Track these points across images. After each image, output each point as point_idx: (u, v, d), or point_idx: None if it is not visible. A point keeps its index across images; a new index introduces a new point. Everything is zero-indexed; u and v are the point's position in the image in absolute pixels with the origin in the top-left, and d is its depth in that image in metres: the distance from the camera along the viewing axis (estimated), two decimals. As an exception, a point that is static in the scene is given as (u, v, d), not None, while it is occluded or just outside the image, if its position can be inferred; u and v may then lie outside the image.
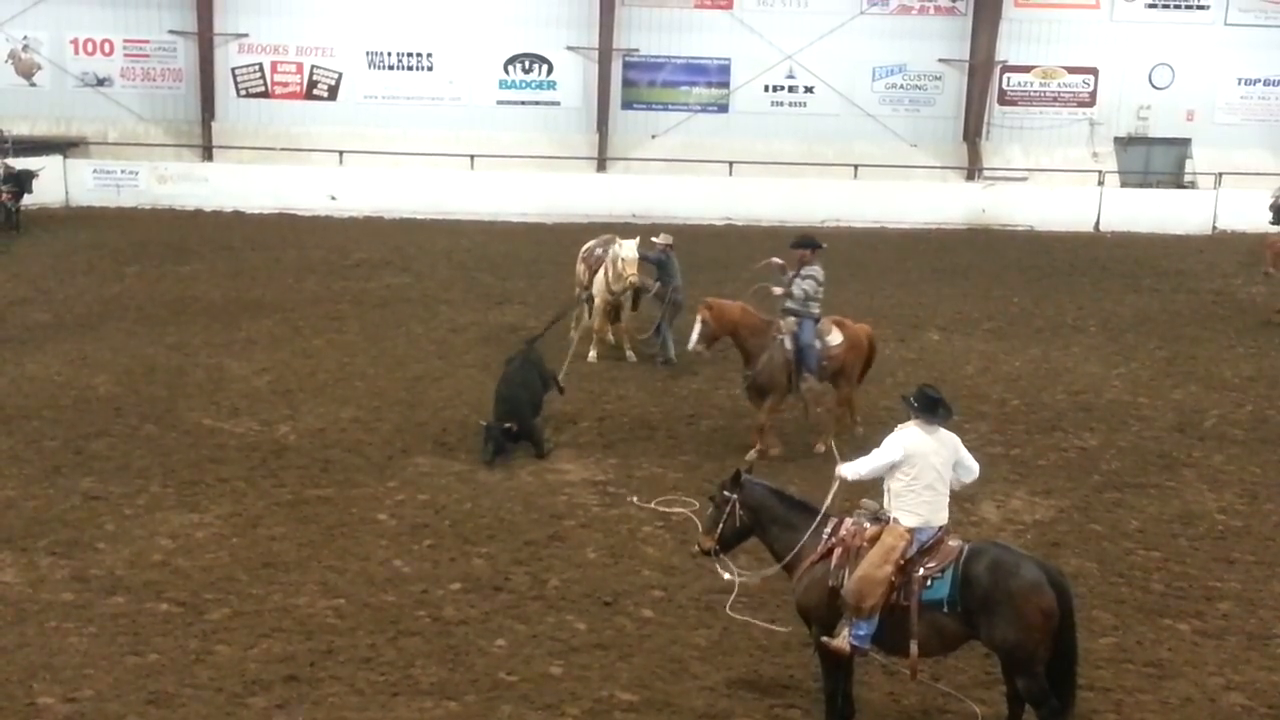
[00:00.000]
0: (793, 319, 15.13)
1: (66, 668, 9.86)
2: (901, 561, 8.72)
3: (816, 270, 15.20)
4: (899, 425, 9.16)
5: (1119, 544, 12.91)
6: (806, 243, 15.54)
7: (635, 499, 13.73)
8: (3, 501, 13.30)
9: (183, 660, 10.03)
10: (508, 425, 14.87)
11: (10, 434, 15.47)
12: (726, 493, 9.51)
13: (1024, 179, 38.36)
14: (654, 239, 19.97)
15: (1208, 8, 38.97)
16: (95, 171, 35.19)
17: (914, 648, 8.71)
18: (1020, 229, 35.34)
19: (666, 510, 13.36)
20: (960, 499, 13.69)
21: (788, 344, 15.01)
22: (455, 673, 9.95)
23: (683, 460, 15.12)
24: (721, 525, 9.54)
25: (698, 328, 15.14)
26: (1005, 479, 14.74)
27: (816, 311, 15.29)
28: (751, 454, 14.71)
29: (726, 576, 9.82)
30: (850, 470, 9.17)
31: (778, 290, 15.31)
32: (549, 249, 28.36)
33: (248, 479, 14.12)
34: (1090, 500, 14.15)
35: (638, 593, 11.49)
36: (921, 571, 8.68)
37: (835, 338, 15.30)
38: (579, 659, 10.22)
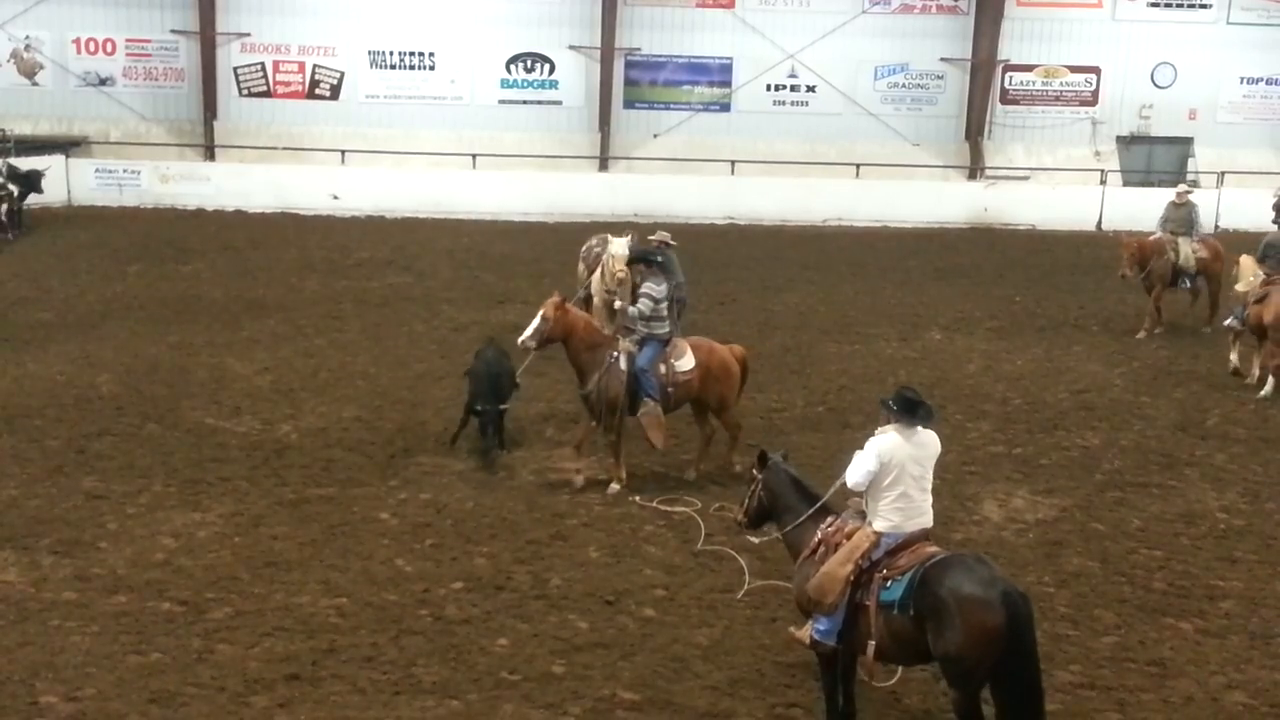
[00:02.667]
0: (635, 338, 14.04)
1: (69, 666, 9.86)
2: (864, 562, 8.70)
3: (653, 287, 14.01)
4: (878, 430, 9.03)
5: (1121, 543, 12.90)
6: (641, 256, 14.50)
7: (637, 498, 13.73)
8: (5, 500, 13.31)
9: (185, 659, 10.03)
10: (503, 406, 14.86)
11: (13, 433, 15.48)
12: (755, 472, 9.75)
13: (1026, 178, 38.35)
14: (650, 237, 19.96)
15: (1210, 7, 38.95)
16: (97, 171, 35.20)
17: (870, 648, 8.65)
18: (1022, 228, 35.32)
19: (669, 509, 13.37)
20: (963, 498, 13.75)
21: (622, 364, 13.87)
22: (457, 671, 9.95)
23: (685, 459, 15.10)
24: (748, 502, 9.85)
25: (536, 322, 13.91)
26: (1007, 478, 14.73)
27: (662, 332, 14.07)
28: (614, 486, 14.00)
29: (755, 541, 10.50)
30: (849, 478, 9.08)
31: (617, 304, 14.40)
32: (551, 248, 28.35)
33: (250, 478, 14.12)
34: (1092, 499, 14.14)
35: (640, 591, 11.49)
36: (884, 572, 8.64)
37: (686, 362, 14.07)
38: (581, 658, 10.22)
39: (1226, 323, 19.74)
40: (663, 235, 20.10)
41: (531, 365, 18.63)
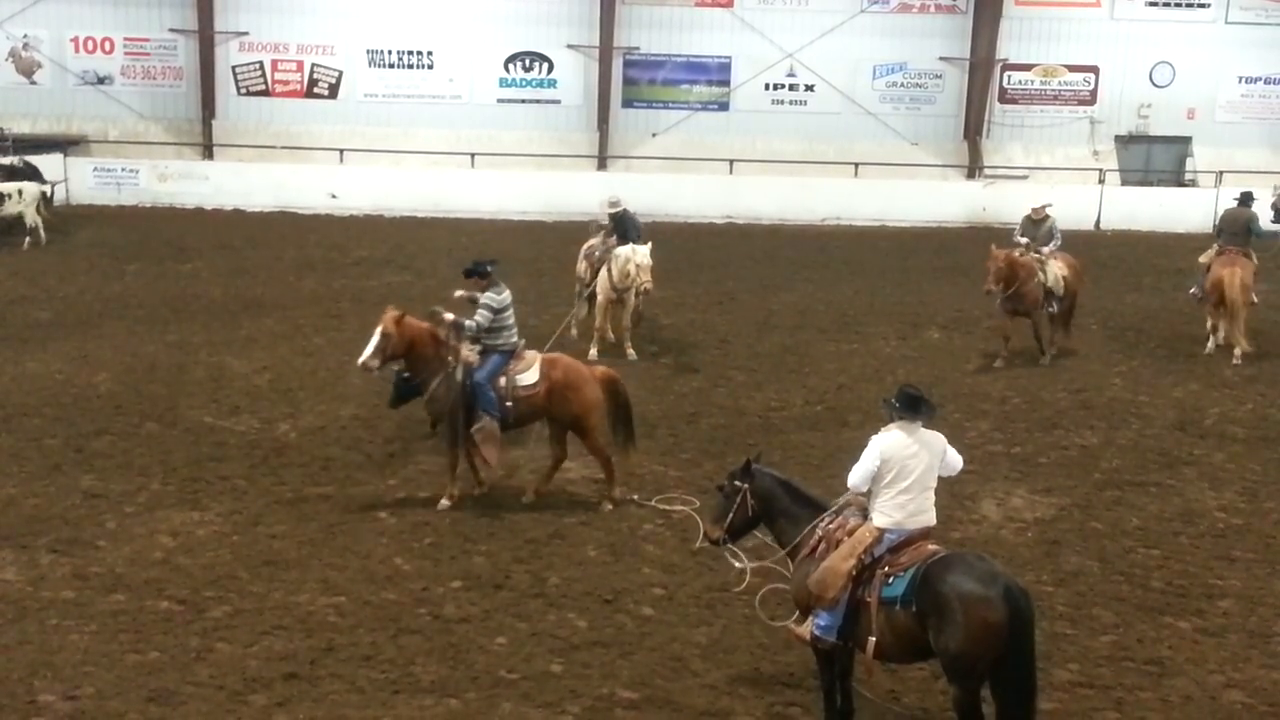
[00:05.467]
0: (477, 349, 13.30)
1: (67, 665, 9.85)
2: (866, 557, 8.70)
3: (492, 298, 13.21)
4: (882, 429, 9.01)
5: (1119, 542, 12.90)
6: (474, 270, 13.56)
7: (636, 497, 13.72)
8: (3, 499, 13.30)
9: (183, 658, 10.02)
10: (406, 374, 14.08)
11: (11, 432, 15.47)
12: (738, 482, 9.53)
13: (1024, 177, 38.39)
14: (607, 203, 20.60)
15: (1208, 6, 39.02)
16: (96, 170, 35.28)
17: (871, 644, 8.62)
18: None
19: (667, 508, 13.37)
20: (961, 497, 13.74)
21: (458, 375, 13.19)
22: (456, 670, 9.94)
23: (683, 458, 15.11)
24: (732, 515, 9.56)
25: (376, 339, 13.03)
26: (1006, 477, 14.73)
27: (505, 343, 13.35)
28: (443, 502, 13.27)
29: (738, 565, 10.03)
30: (851, 479, 9.03)
31: (449, 317, 13.37)
32: (549, 247, 28.37)
33: (248, 477, 14.12)
34: (1091, 498, 14.14)
35: (638, 590, 11.48)
36: (886, 568, 8.63)
37: (529, 377, 13.28)
38: (579, 657, 10.22)
39: (1191, 291, 21.33)
40: (614, 198, 20.63)
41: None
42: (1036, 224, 20.62)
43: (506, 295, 13.37)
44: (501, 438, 13.36)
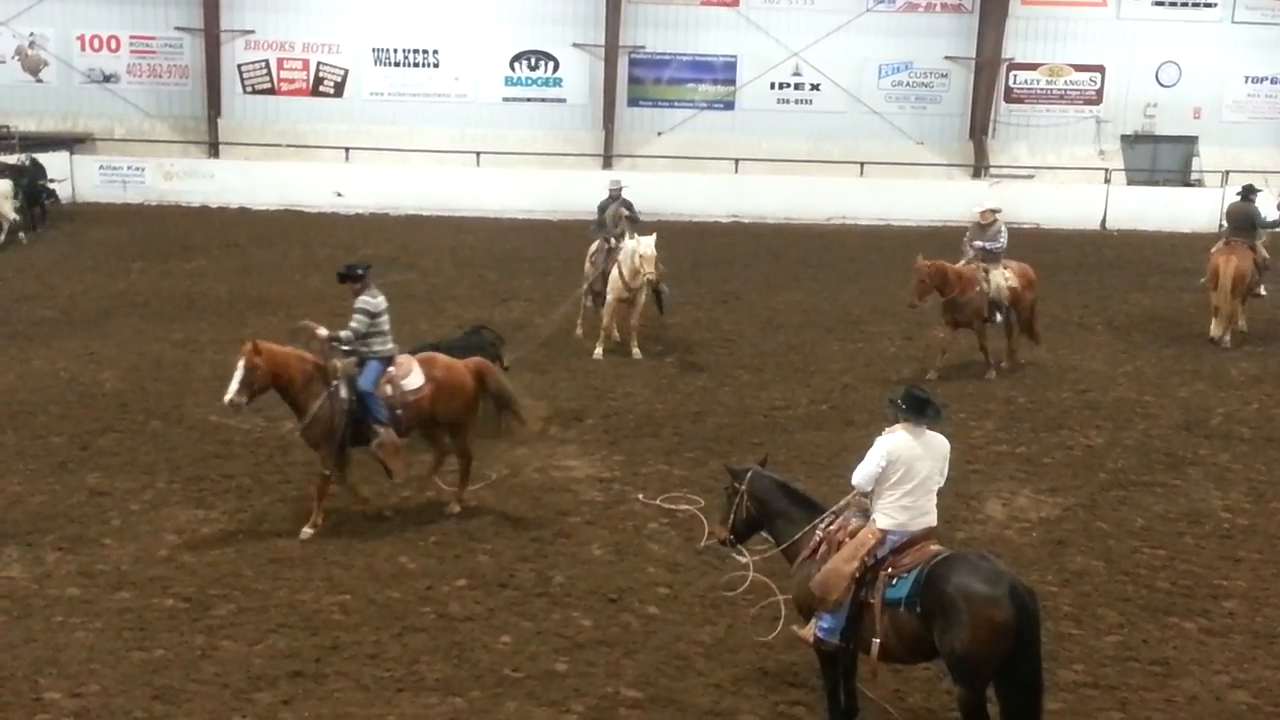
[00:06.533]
0: (352, 360, 12.69)
1: (72, 663, 9.86)
2: (869, 559, 8.68)
3: (368, 301, 12.65)
4: (886, 429, 8.99)
5: (1125, 542, 12.88)
6: (347, 274, 12.99)
7: (641, 496, 13.72)
8: (9, 497, 13.31)
9: (188, 656, 10.03)
10: None
11: (17, 429, 15.49)
12: (736, 484, 9.55)
13: (1030, 177, 38.41)
14: (609, 184, 21.10)
15: (1215, 6, 39.01)
16: (101, 168, 35.34)
17: (875, 646, 8.60)
18: (1026, 226, 35.26)
19: (672, 507, 13.36)
20: (966, 497, 13.73)
21: (343, 391, 12.52)
22: (460, 669, 9.94)
23: (688, 457, 15.11)
24: (732, 516, 9.61)
25: (239, 374, 12.18)
26: (1011, 477, 14.72)
27: (382, 349, 12.77)
28: (306, 530, 12.49)
29: (742, 560, 10.05)
30: (855, 479, 9.00)
31: (322, 332, 12.71)
32: (554, 246, 28.40)
33: (253, 475, 14.13)
34: (1096, 498, 14.12)
35: (643, 589, 11.48)
36: (889, 570, 8.61)
37: (414, 380, 12.83)
38: (584, 655, 10.21)
39: (1201, 281, 21.78)
40: (615, 181, 20.98)
41: (538, 362, 18.74)
42: (984, 228, 19.15)
43: (380, 300, 12.77)
44: (400, 444, 12.84)
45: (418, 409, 12.87)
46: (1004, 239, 19.12)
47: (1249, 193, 22.09)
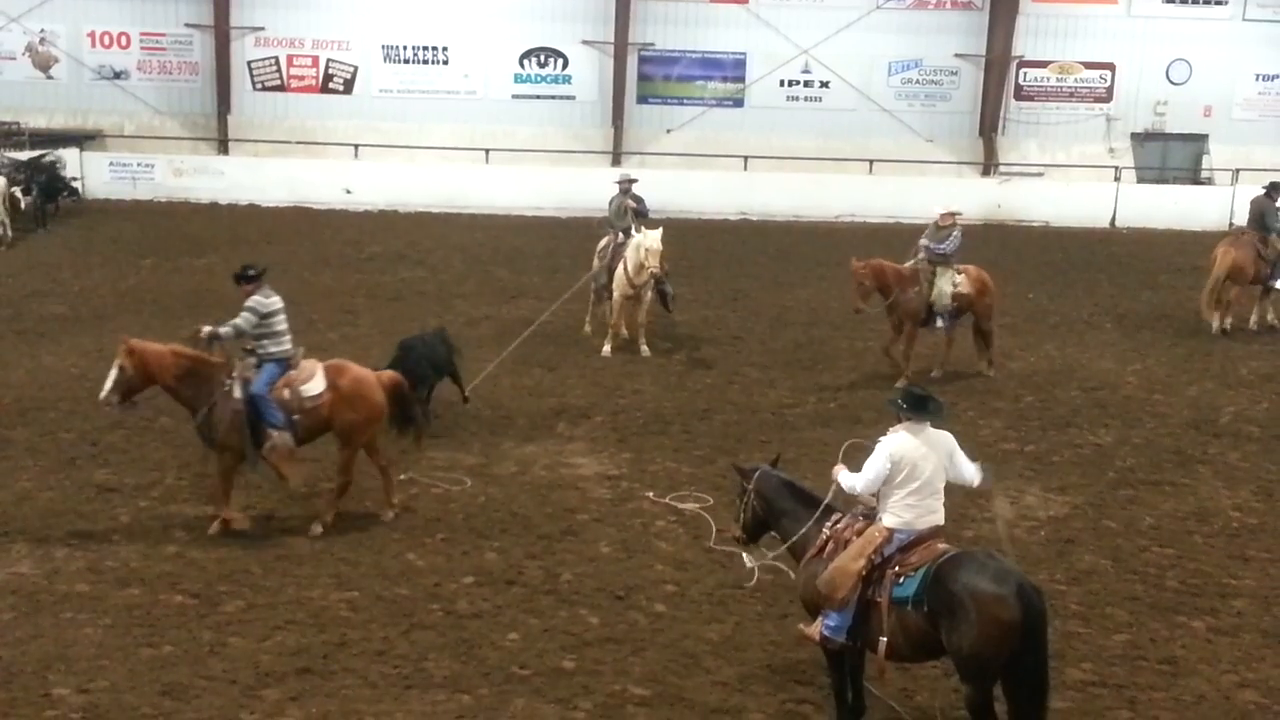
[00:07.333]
0: (251, 361, 12.43)
1: (81, 659, 9.89)
2: (876, 557, 8.67)
3: (259, 301, 12.36)
4: (889, 430, 8.97)
5: (1133, 541, 12.86)
6: (240, 276, 12.78)
7: (651, 494, 13.72)
8: (18, 493, 13.35)
9: (196, 652, 10.05)
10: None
11: (26, 425, 15.53)
12: (745, 483, 9.60)
13: (1040, 174, 38.35)
14: (616, 180, 21.12)
15: (1226, 3, 38.92)
16: (111, 164, 35.40)
17: (882, 645, 8.59)
18: (1036, 224, 35.30)
19: (680, 505, 13.36)
20: (975, 495, 13.70)
21: (237, 392, 12.21)
22: (468, 666, 9.95)
23: (696, 455, 15.10)
24: (743, 516, 9.68)
25: (114, 374, 12.11)
26: (1020, 475, 14.70)
27: (278, 351, 12.41)
28: (214, 527, 12.36)
29: (748, 563, 10.05)
30: (845, 480, 8.99)
31: (205, 329, 12.46)
32: (563, 243, 28.41)
33: (261, 472, 14.10)
34: (1105, 497, 14.10)
35: (650, 587, 11.48)
36: (896, 568, 8.60)
37: (315, 385, 12.38)
38: (591, 653, 10.22)
39: None
40: (625, 175, 21.10)
41: (546, 359, 18.74)
42: (941, 229, 18.51)
43: (274, 301, 12.49)
44: (296, 450, 12.55)
45: (316, 416, 12.45)
46: (956, 244, 18.42)
47: (1272, 190, 22.51)
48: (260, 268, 12.96)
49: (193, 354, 12.41)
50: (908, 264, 18.51)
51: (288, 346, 12.54)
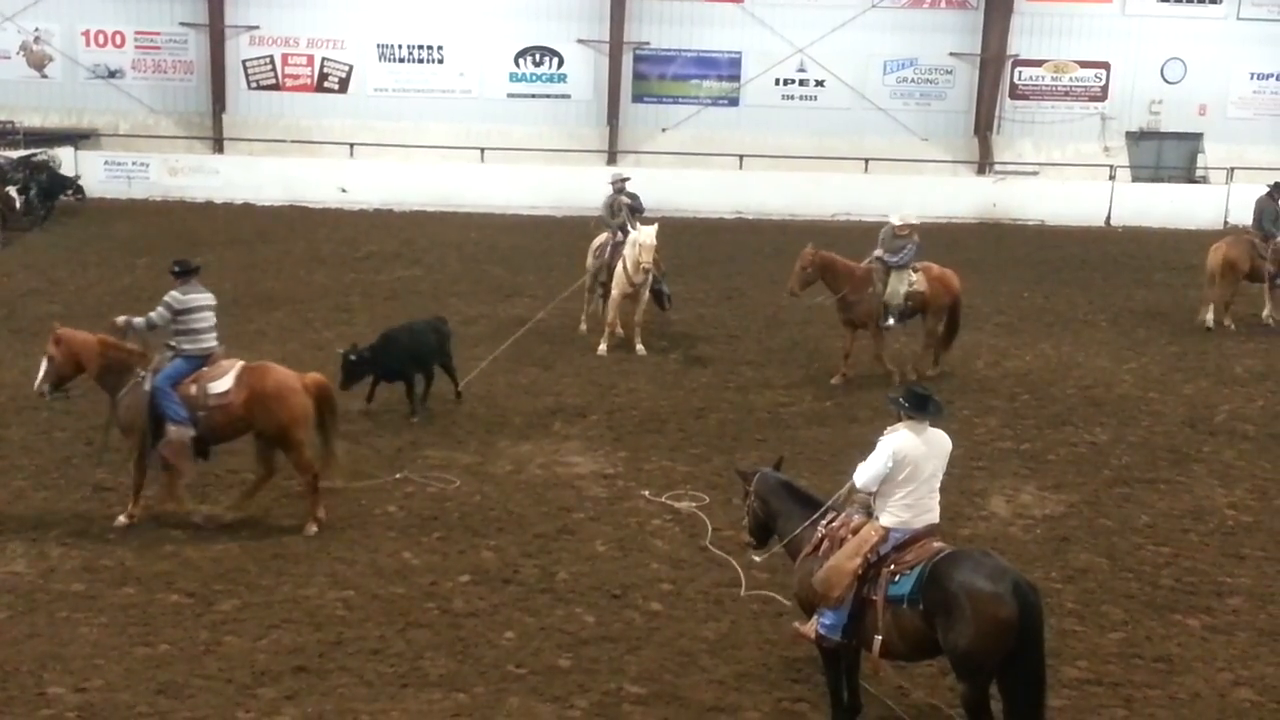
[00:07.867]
0: (167, 355, 12.48)
1: (77, 658, 9.88)
2: (872, 556, 8.68)
3: (174, 297, 12.46)
4: (889, 428, 9.00)
5: (1129, 539, 12.88)
6: (173, 269, 12.87)
7: (647, 493, 13.72)
8: (14, 492, 13.34)
9: (192, 651, 10.05)
10: (352, 355, 15.54)
11: (22, 424, 15.52)
12: (746, 486, 9.67)
13: (1035, 173, 38.35)
14: (612, 180, 21.07)
15: (1220, 2, 38.93)
16: (106, 163, 35.32)
17: (877, 643, 8.61)
18: (1031, 223, 35.32)
19: (675, 504, 13.37)
20: (970, 494, 13.73)
21: (147, 383, 12.28)
22: (464, 664, 9.96)
23: (692, 454, 15.11)
24: (747, 518, 9.78)
25: (45, 363, 12.50)
26: (1015, 473, 14.72)
27: (192, 349, 12.45)
28: (120, 519, 12.48)
29: (756, 559, 10.22)
30: (858, 478, 8.98)
31: (120, 319, 12.76)
32: (559, 242, 28.39)
33: (257, 470, 14.10)
34: (1100, 495, 14.12)
35: (646, 586, 11.49)
36: (892, 567, 8.61)
37: (222, 384, 12.34)
38: (587, 651, 10.23)
39: None
40: (618, 174, 21.08)
41: (542, 358, 18.75)
42: (899, 239, 18.11)
43: (196, 298, 12.53)
44: (190, 445, 12.42)
45: (226, 414, 12.38)
46: (909, 255, 18.08)
47: (1275, 190, 22.63)
48: (194, 264, 13.03)
49: (117, 344, 12.63)
50: (864, 263, 18.28)
51: (207, 345, 12.60)
